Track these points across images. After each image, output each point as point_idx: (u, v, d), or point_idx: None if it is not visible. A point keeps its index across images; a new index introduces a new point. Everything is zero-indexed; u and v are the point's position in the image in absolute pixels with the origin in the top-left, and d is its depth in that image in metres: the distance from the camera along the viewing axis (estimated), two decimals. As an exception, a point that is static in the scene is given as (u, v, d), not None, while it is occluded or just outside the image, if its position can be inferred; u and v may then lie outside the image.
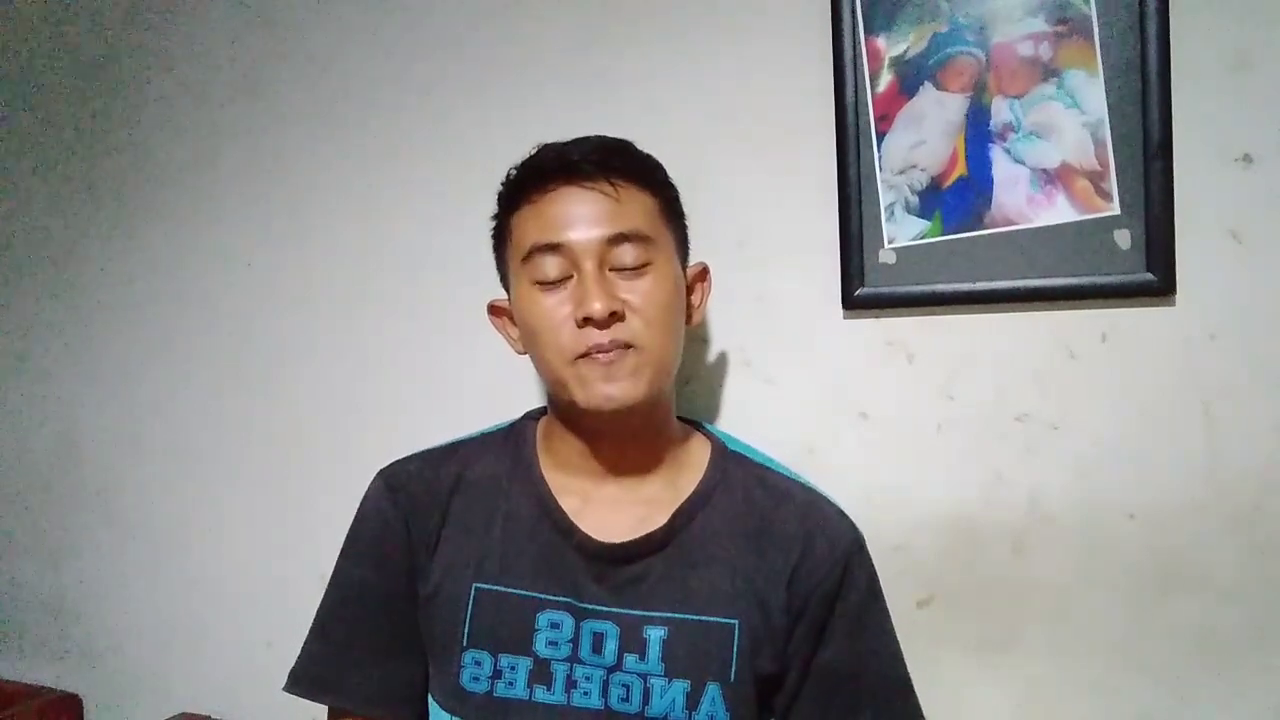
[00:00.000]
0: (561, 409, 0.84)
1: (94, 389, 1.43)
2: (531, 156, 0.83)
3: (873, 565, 0.83)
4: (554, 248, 0.78)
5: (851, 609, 0.80)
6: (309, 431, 1.27)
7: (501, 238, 0.85)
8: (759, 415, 1.02)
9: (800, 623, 0.79)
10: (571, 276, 0.78)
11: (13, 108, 1.48)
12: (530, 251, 0.79)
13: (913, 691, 0.82)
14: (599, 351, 0.76)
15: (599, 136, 0.83)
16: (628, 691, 0.77)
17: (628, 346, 0.77)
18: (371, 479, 0.89)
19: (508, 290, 0.87)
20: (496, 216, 0.86)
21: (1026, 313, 0.92)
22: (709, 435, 0.90)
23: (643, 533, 0.81)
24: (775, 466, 0.88)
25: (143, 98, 1.36)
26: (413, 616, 0.85)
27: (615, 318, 0.76)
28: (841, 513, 0.84)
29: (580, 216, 0.78)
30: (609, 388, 0.76)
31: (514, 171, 0.84)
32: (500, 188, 0.85)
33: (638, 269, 0.79)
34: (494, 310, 0.89)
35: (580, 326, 0.76)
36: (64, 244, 1.44)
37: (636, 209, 0.80)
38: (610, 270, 0.78)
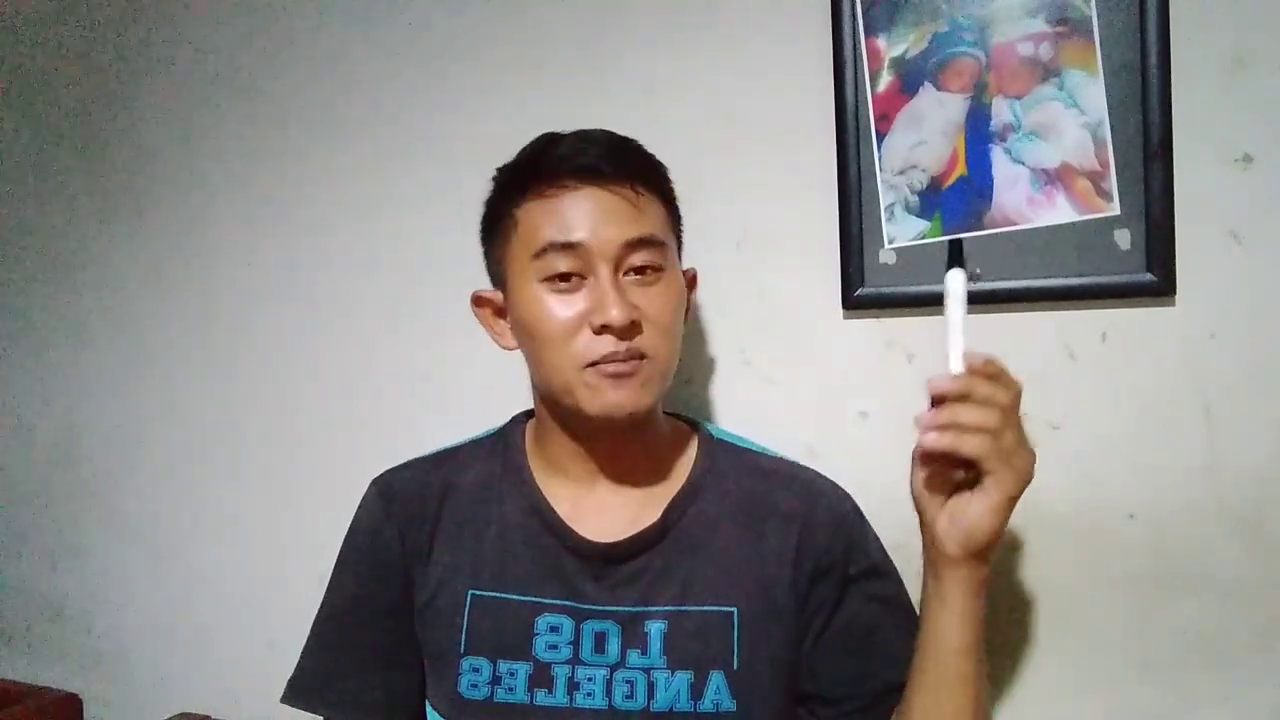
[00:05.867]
0: (557, 412, 0.82)
1: (94, 389, 1.43)
2: (542, 148, 0.80)
3: (871, 526, 0.84)
4: (570, 247, 0.76)
5: (863, 568, 0.81)
6: (309, 431, 1.27)
7: (500, 228, 0.82)
8: (759, 415, 1.02)
9: (813, 595, 0.80)
10: (584, 278, 0.76)
11: (13, 108, 1.48)
12: (544, 249, 0.76)
13: None
14: (612, 361, 0.75)
15: (604, 132, 0.81)
16: (631, 688, 0.77)
17: (641, 357, 0.76)
18: (366, 487, 0.89)
19: (497, 282, 0.84)
20: (492, 204, 0.83)
21: (1026, 313, 0.92)
22: (694, 427, 0.90)
23: (637, 529, 0.81)
24: (761, 450, 0.89)
25: (142, 98, 1.36)
26: (409, 626, 0.85)
27: (634, 328, 0.75)
28: (833, 483, 0.85)
29: (601, 218, 0.76)
30: (619, 396, 0.75)
31: (520, 159, 0.82)
32: (498, 174, 0.83)
33: (651, 275, 0.78)
34: (478, 301, 0.87)
35: (597, 333, 0.75)
36: (64, 244, 1.44)
37: (653, 215, 0.79)
38: (623, 275, 0.77)
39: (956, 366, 0.65)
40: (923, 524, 0.68)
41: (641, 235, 0.77)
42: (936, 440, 0.63)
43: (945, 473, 0.66)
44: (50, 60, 1.43)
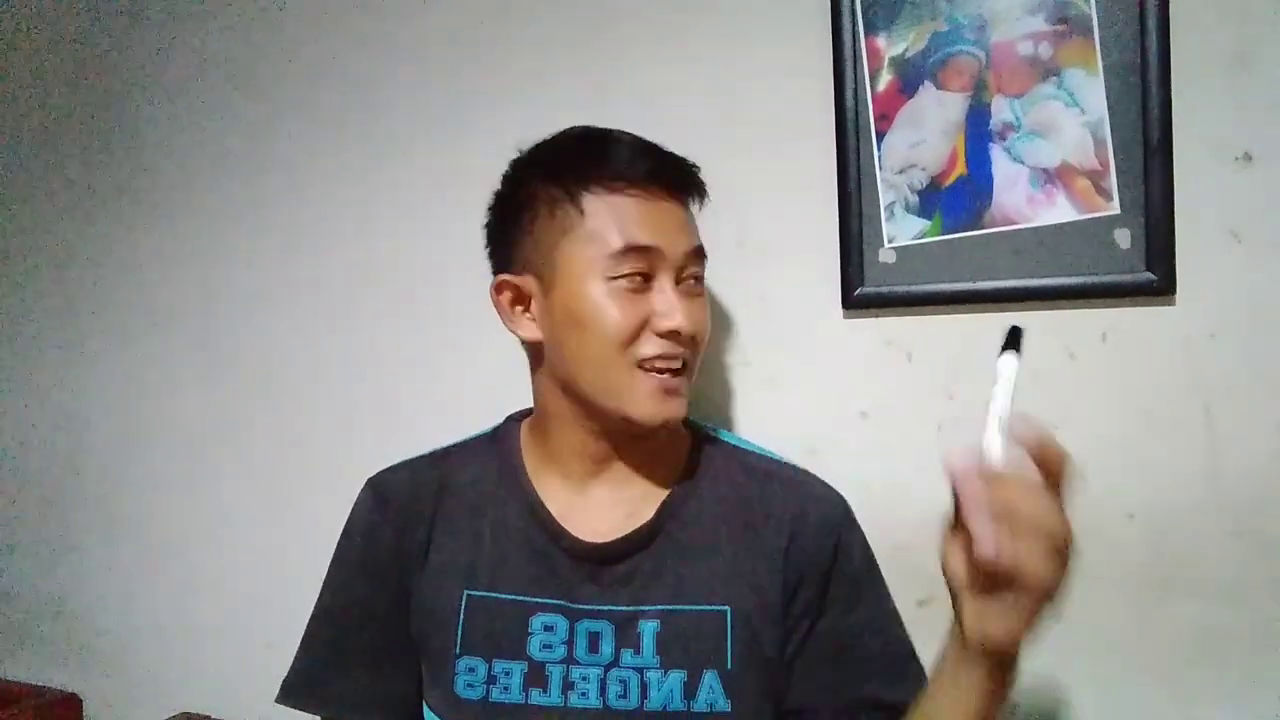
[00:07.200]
0: (578, 407, 0.81)
1: (94, 390, 1.43)
2: (600, 144, 0.79)
3: (864, 534, 0.84)
4: (645, 250, 0.77)
5: (848, 578, 0.81)
6: (309, 432, 1.27)
7: (549, 211, 0.79)
8: (759, 415, 1.02)
9: (798, 597, 0.80)
10: (648, 282, 0.78)
11: (13, 108, 1.48)
12: (625, 249, 0.76)
13: (914, 653, 0.81)
14: (664, 362, 0.77)
15: (652, 142, 0.81)
16: (625, 687, 0.78)
17: (684, 367, 0.79)
18: (361, 487, 0.88)
19: (527, 267, 0.81)
20: (532, 185, 0.80)
21: (1026, 312, 0.92)
22: (688, 426, 0.89)
23: (630, 529, 0.81)
24: (754, 448, 0.89)
25: (142, 98, 1.36)
26: (403, 625, 0.85)
27: (694, 340, 0.79)
28: (827, 485, 0.85)
29: (672, 225, 0.79)
30: (664, 409, 0.78)
31: (574, 150, 0.81)
32: (543, 158, 0.82)
33: (697, 287, 0.82)
34: (501, 288, 0.83)
35: (662, 337, 0.77)
36: (64, 244, 1.44)
37: (697, 229, 0.84)
38: (678, 284, 0.80)
39: (994, 453, 0.57)
40: (952, 602, 0.60)
41: (698, 246, 0.81)
42: (997, 557, 0.53)
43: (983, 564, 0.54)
44: (50, 60, 1.43)
